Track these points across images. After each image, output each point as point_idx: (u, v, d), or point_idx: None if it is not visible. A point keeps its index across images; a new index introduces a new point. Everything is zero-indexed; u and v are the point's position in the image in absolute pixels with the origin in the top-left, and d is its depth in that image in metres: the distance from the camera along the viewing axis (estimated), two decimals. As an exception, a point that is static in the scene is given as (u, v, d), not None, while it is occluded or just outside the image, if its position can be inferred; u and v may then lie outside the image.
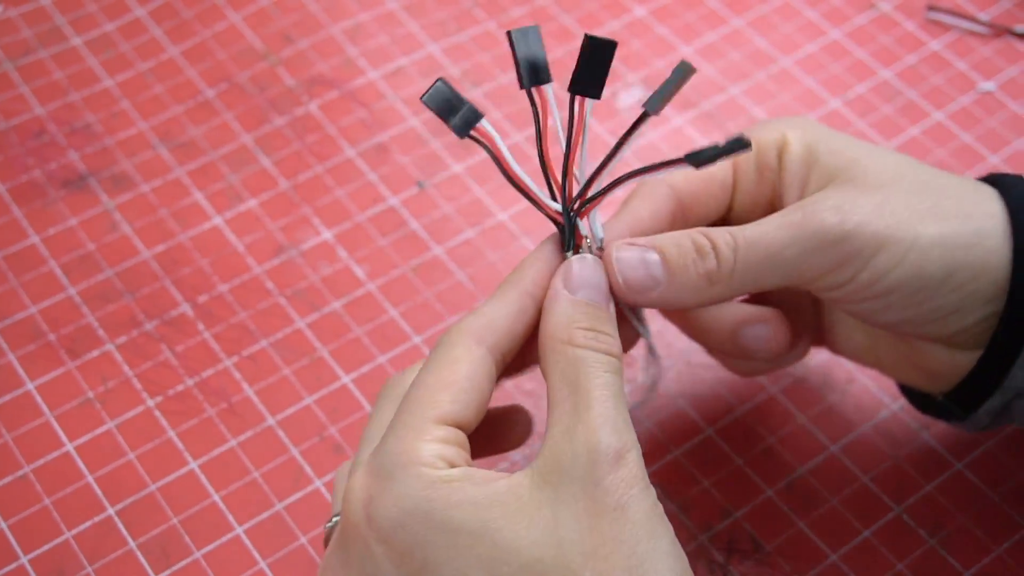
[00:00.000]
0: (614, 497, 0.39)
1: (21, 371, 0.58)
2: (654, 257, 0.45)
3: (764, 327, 0.50)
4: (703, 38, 0.72)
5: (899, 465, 0.56)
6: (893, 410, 0.57)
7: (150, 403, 0.57)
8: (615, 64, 0.70)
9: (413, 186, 0.65)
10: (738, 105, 0.69)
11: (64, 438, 0.56)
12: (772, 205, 0.49)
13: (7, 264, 0.61)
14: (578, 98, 0.42)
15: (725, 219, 0.50)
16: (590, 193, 0.43)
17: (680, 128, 0.68)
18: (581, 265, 0.44)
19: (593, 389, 0.41)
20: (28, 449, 0.56)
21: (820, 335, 0.54)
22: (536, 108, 0.42)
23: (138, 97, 0.68)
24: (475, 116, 0.42)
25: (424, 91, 0.42)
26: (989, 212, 0.46)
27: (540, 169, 0.43)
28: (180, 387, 0.58)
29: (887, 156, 0.47)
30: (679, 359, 0.59)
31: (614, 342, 0.42)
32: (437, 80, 0.42)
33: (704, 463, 0.56)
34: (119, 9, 0.72)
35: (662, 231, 0.48)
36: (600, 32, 0.71)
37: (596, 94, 0.42)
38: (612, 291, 0.45)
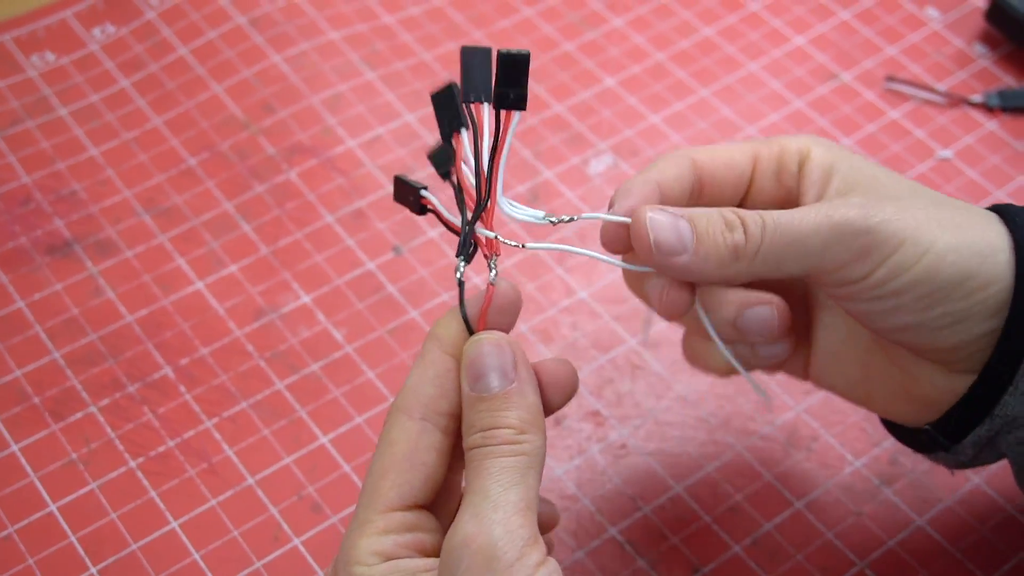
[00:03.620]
0: None
1: (6, 433, 0.59)
2: (684, 224, 0.47)
3: (767, 308, 0.51)
4: (671, 107, 0.75)
5: (862, 521, 0.57)
6: (856, 467, 0.59)
7: (132, 464, 0.58)
8: (585, 132, 0.72)
9: (390, 251, 0.67)
10: (705, 172, 0.71)
11: (48, 499, 0.57)
12: (785, 207, 0.50)
13: (-7, 328, 0.63)
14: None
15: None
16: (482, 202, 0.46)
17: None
18: (477, 351, 0.44)
19: (472, 483, 0.42)
20: (12, 510, 0.57)
21: (811, 368, 0.54)
22: (454, 150, 0.46)
23: (122, 166, 0.70)
24: (420, 188, 0.47)
25: (393, 193, 0.47)
26: (997, 232, 0.47)
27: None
28: (162, 448, 0.59)
29: (903, 179, 0.49)
30: (648, 418, 0.61)
31: (508, 433, 0.43)
32: (394, 177, 0.47)
33: (672, 520, 0.57)
34: (104, 81, 0.74)
35: (684, 195, 0.49)
36: (573, 101, 0.74)
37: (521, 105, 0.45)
38: (642, 254, 0.47)
